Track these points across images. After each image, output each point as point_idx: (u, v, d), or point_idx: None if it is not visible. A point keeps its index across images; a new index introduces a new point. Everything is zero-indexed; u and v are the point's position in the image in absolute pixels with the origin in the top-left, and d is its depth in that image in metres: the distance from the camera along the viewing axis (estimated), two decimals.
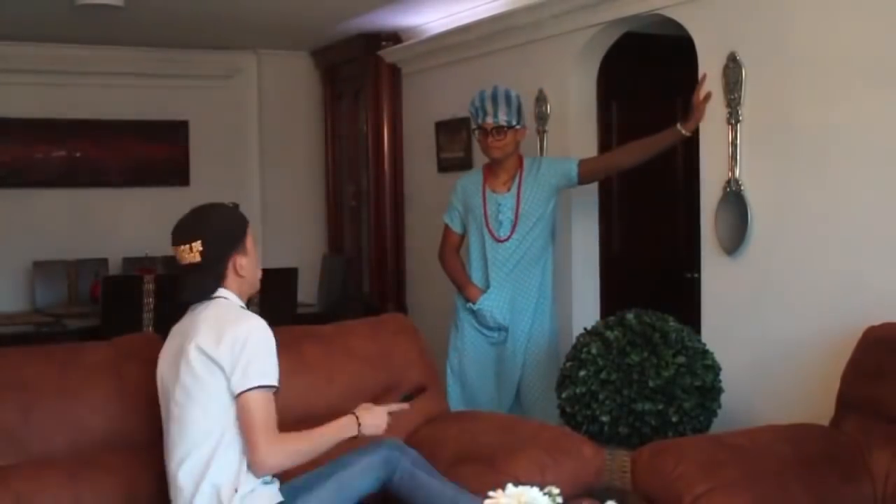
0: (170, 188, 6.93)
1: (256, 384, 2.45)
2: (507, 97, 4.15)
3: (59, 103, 6.59)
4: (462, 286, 4.33)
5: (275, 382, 2.50)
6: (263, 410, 2.46)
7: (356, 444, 2.68)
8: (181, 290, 2.59)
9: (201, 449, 2.47)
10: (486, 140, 4.17)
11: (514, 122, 4.14)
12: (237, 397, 2.45)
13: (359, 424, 2.63)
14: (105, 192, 6.79)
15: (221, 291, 2.58)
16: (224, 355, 2.44)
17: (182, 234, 2.56)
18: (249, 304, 5.29)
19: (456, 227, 4.40)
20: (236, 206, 2.70)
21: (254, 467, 2.48)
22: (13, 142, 6.52)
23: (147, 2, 5.28)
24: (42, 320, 5.74)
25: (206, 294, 2.57)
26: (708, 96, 3.89)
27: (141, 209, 6.85)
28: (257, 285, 2.69)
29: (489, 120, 4.13)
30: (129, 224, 6.77)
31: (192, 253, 2.53)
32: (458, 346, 4.33)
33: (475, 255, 4.31)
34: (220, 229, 2.57)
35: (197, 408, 2.47)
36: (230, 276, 2.59)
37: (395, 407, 2.78)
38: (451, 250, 4.44)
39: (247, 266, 2.61)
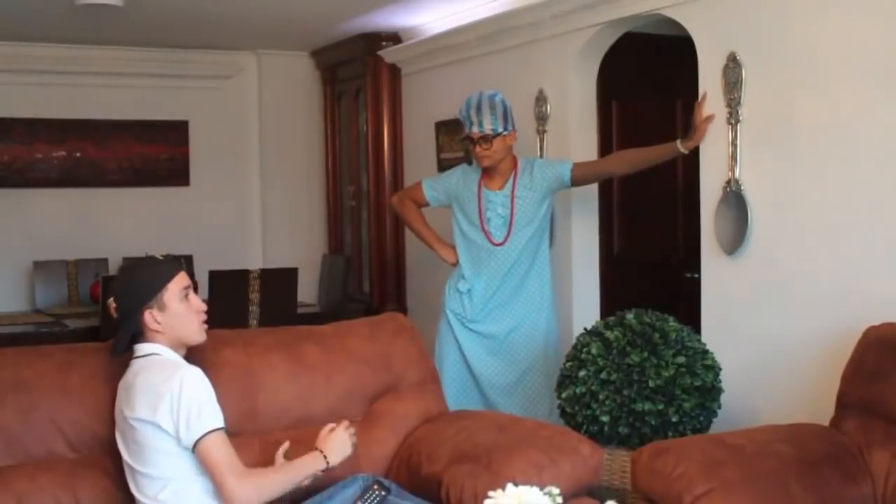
0: (170, 188, 6.95)
1: (204, 432, 2.46)
2: (492, 104, 4.15)
3: (59, 103, 6.59)
4: (436, 246, 4.47)
5: (220, 424, 2.50)
6: (221, 450, 2.47)
7: (334, 478, 2.71)
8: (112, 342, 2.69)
9: (162, 494, 2.50)
10: (474, 149, 4.19)
11: (499, 129, 4.14)
12: (193, 450, 2.47)
13: (325, 456, 2.60)
14: (105, 192, 6.79)
15: (153, 347, 2.60)
16: (164, 418, 2.46)
17: (109, 291, 2.67)
18: (249, 306, 5.34)
19: (428, 196, 4.47)
20: (167, 258, 2.72)
21: None
22: (13, 142, 6.52)
23: (147, 2, 5.28)
24: (42, 320, 5.74)
25: (119, 347, 2.63)
26: (710, 118, 3.88)
27: (141, 209, 6.86)
28: (195, 337, 2.67)
29: (475, 130, 4.16)
30: (129, 224, 6.78)
31: (111, 308, 2.63)
32: (440, 354, 4.36)
33: (466, 251, 4.31)
34: (130, 286, 2.62)
35: (150, 465, 2.50)
36: (148, 332, 2.60)
37: (348, 426, 2.69)
38: (412, 202, 4.55)
39: (166, 321, 2.59)
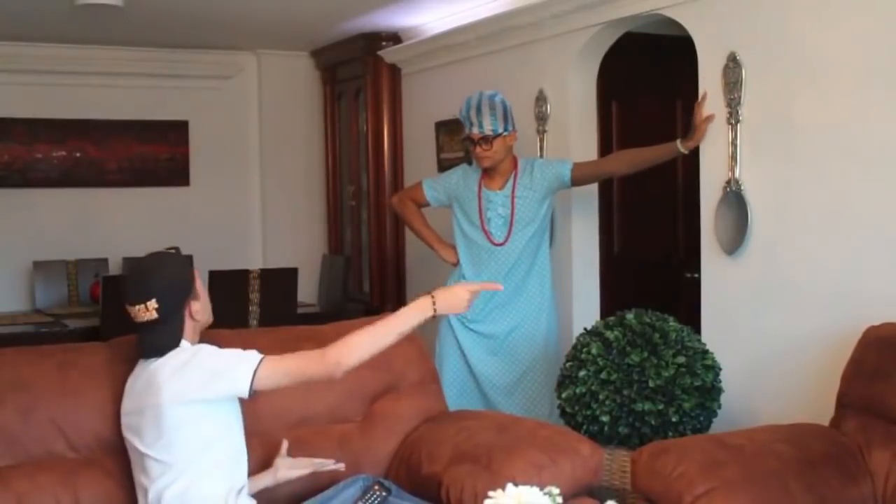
0: (170, 188, 6.95)
1: (252, 369, 2.43)
2: (492, 105, 4.15)
3: (59, 103, 6.59)
4: (436, 246, 4.47)
5: (258, 355, 2.48)
6: (285, 360, 2.45)
7: (339, 476, 2.74)
8: (141, 347, 2.60)
9: (181, 481, 2.48)
10: (475, 150, 4.19)
11: (499, 130, 4.15)
12: (253, 386, 2.43)
13: (434, 304, 2.48)
14: (105, 192, 6.79)
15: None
16: (198, 389, 2.44)
17: (135, 293, 2.55)
18: (250, 306, 5.34)
19: (429, 196, 4.48)
20: (177, 250, 2.72)
21: (335, 377, 2.45)
22: (13, 142, 6.52)
23: (147, 2, 5.28)
24: (42, 320, 5.74)
25: (168, 348, 2.56)
26: (710, 118, 3.88)
27: (141, 209, 6.86)
28: (210, 320, 2.71)
29: (475, 131, 4.16)
30: (129, 224, 6.78)
31: (149, 311, 2.53)
32: (440, 354, 4.37)
33: (466, 250, 4.32)
34: (170, 282, 2.57)
35: (169, 448, 2.47)
36: (187, 324, 2.60)
37: (477, 286, 2.62)
38: (412, 202, 4.56)
39: (200, 309, 2.63)
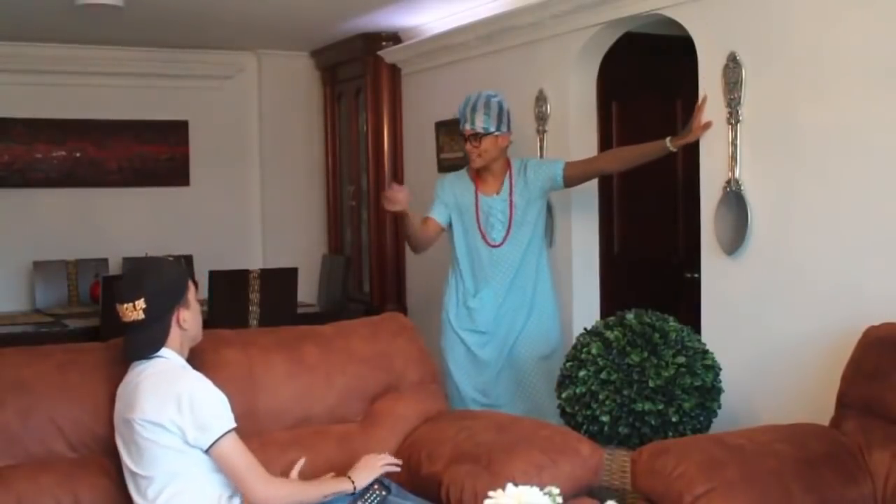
0: (170, 188, 6.95)
1: (220, 434, 2.48)
2: (487, 104, 4.15)
3: (59, 103, 6.59)
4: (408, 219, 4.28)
5: (233, 423, 2.53)
6: (240, 452, 2.51)
7: None
8: (124, 348, 2.63)
9: (163, 496, 2.50)
10: (466, 147, 4.20)
11: (491, 129, 4.14)
12: (207, 451, 2.50)
13: (352, 481, 2.66)
14: (105, 192, 6.79)
15: (163, 351, 2.60)
16: (171, 417, 2.46)
17: (125, 292, 2.59)
18: (250, 306, 5.34)
19: (440, 219, 4.33)
20: (177, 260, 2.75)
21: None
22: (13, 142, 6.52)
23: (147, 2, 5.28)
24: (42, 320, 5.74)
25: (150, 351, 2.58)
26: (708, 125, 3.88)
27: (141, 209, 6.86)
28: (199, 336, 2.73)
29: (467, 127, 4.17)
30: (129, 224, 6.78)
31: (136, 311, 2.56)
32: (444, 349, 4.36)
33: (468, 260, 4.30)
34: (162, 285, 2.60)
35: (151, 466, 2.50)
36: (173, 331, 2.61)
37: (389, 459, 2.79)
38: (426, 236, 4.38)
39: (189, 319, 2.64)
